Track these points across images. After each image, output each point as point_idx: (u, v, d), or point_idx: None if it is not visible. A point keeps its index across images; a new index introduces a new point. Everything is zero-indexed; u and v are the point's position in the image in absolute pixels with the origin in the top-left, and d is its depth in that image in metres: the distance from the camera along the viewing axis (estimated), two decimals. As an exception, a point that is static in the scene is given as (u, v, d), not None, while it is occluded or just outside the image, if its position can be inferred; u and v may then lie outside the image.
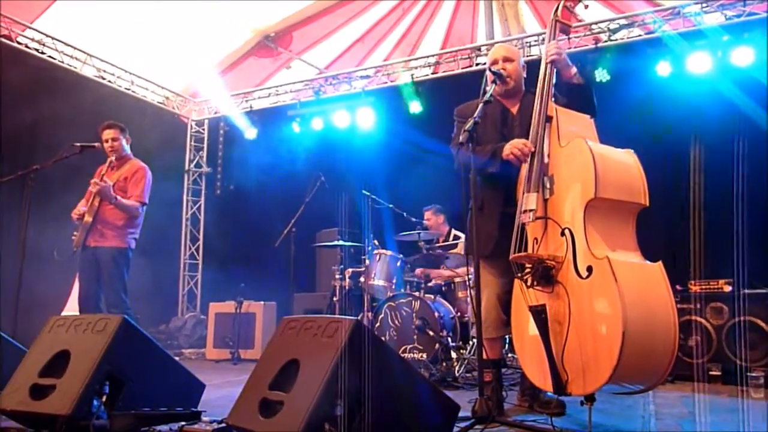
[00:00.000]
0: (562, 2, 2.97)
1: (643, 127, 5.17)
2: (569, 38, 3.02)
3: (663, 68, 5.71)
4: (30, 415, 2.48)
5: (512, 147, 2.82)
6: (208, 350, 6.60)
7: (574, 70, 2.92)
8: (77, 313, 4.41)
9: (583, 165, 2.54)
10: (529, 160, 2.74)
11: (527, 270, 2.59)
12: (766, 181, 4.60)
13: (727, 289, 4.29)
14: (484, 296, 3.04)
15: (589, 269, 2.41)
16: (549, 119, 2.75)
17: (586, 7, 3.08)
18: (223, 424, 2.23)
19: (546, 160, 2.70)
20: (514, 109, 3.17)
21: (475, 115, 2.68)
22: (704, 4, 5.67)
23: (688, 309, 4.27)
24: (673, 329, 2.39)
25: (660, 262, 2.50)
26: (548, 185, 2.66)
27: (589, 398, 2.43)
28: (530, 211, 2.62)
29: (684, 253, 4.34)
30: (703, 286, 4.37)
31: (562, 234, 2.54)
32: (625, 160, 2.67)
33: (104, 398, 2.46)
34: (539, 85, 2.84)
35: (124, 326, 2.59)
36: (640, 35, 6.07)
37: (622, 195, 2.57)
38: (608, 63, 5.84)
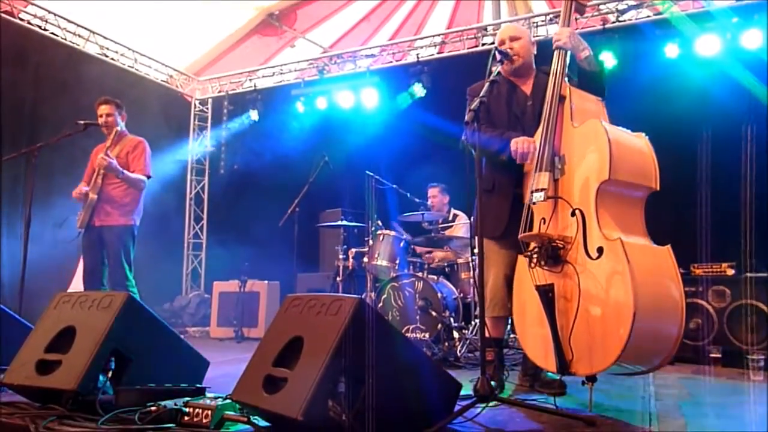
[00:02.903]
0: None
1: (649, 108, 5.11)
2: (577, 19, 2.97)
3: (671, 50, 5.65)
4: (36, 390, 2.51)
5: (515, 143, 2.82)
6: (212, 329, 6.66)
7: (587, 52, 2.87)
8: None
9: (597, 146, 2.54)
10: (541, 139, 2.73)
11: (535, 249, 2.59)
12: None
13: (730, 272, 4.30)
14: (492, 275, 3.06)
15: (600, 250, 2.42)
16: (562, 99, 2.74)
17: None
18: (228, 400, 2.25)
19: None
20: (527, 89, 3.15)
21: (481, 94, 2.66)
22: (714, -15, 5.59)
23: (691, 292, 4.27)
24: (680, 313, 2.41)
25: (668, 246, 2.51)
26: (559, 165, 2.66)
27: (591, 378, 2.45)
28: (542, 190, 2.62)
29: (687, 236, 4.33)
30: (706, 270, 4.38)
31: (573, 214, 2.54)
32: (638, 143, 2.66)
33: (110, 374, 2.49)
34: (553, 65, 2.82)
35: (130, 303, 2.60)
36: (648, 16, 5.99)
37: (635, 178, 2.58)
38: (616, 44, 5.78)
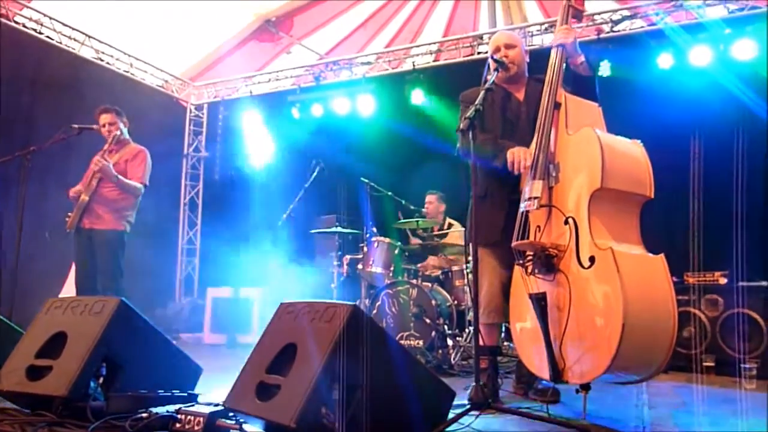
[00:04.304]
0: None
1: (642, 118, 5.14)
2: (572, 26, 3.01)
3: (664, 60, 5.69)
4: (27, 396, 2.49)
5: (511, 154, 2.82)
6: (205, 335, 6.62)
7: (582, 58, 2.89)
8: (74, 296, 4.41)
9: (590, 154, 2.52)
10: (535, 146, 2.73)
11: (529, 257, 2.60)
12: (765, 175, 4.60)
13: (723, 281, 4.32)
14: (487, 282, 3.06)
15: (592, 259, 2.41)
16: (558, 106, 2.74)
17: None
18: (220, 407, 2.24)
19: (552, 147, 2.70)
20: (520, 96, 3.16)
21: (476, 102, 2.67)
22: (707, -3, 5.65)
23: (683, 300, 4.29)
24: (672, 323, 2.40)
25: (662, 255, 2.49)
26: (554, 173, 2.65)
27: (585, 387, 2.44)
28: (535, 198, 2.62)
29: (680, 244, 4.35)
30: (699, 278, 4.39)
31: (566, 223, 2.53)
32: (633, 151, 2.65)
33: (101, 380, 2.48)
34: (548, 70, 2.82)
35: (122, 308, 2.59)
36: (642, 27, 6.04)
37: (628, 186, 2.56)
38: (610, 54, 5.83)
